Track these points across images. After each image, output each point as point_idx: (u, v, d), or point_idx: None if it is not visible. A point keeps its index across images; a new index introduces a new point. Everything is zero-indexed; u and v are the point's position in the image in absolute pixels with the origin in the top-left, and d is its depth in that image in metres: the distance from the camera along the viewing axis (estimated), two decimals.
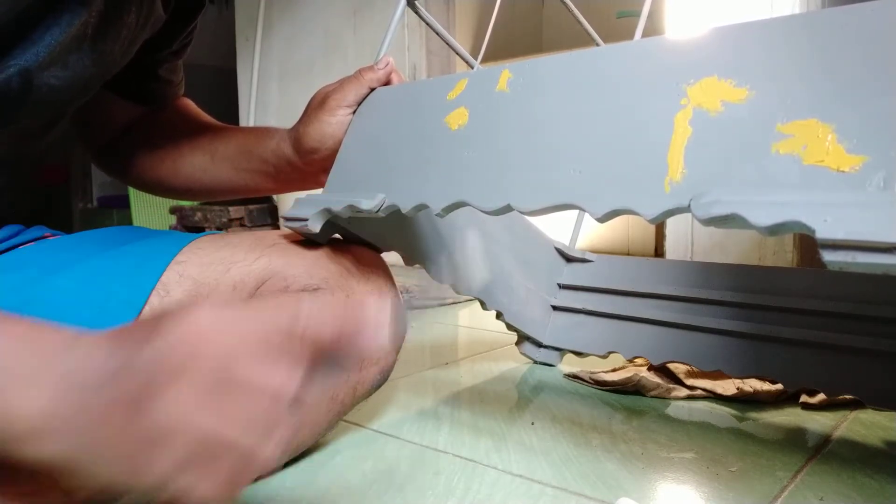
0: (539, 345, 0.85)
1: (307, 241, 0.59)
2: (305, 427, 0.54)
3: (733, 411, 0.68)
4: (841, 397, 0.67)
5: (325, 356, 0.32)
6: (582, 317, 0.83)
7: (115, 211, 2.64)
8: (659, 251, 1.98)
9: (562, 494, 0.51)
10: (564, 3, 0.82)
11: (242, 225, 2.33)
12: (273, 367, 0.30)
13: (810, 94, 0.36)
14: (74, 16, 0.48)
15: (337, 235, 0.61)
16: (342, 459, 0.57)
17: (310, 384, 0.31)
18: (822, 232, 0.32)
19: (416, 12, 0.70)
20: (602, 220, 0.42)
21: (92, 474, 0.31)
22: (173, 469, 0.30)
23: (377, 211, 0.52)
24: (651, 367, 0.78)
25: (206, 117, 0.77)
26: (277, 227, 2.32)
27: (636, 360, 0.81)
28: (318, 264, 0.56)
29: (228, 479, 0.31)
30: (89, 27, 0.50)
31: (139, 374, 0.30)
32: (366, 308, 0.32)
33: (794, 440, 0.61)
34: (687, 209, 0.38)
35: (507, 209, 0.47)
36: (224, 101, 2.55)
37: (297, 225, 0.56)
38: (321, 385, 0.32)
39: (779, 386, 0.69)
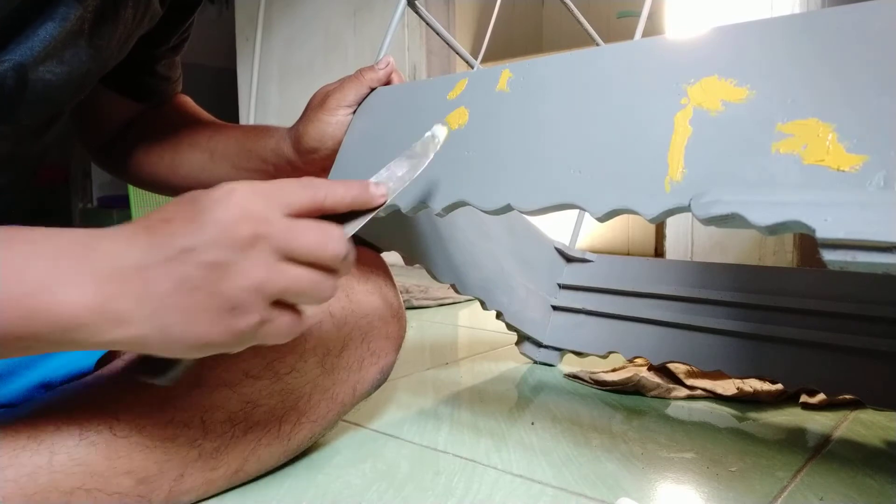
0: (539, 345, 0.85)
1: None
2: (305, 427, 0.54)
3: (733, 411, 0.68)
4: (841, 397, 0.67)
5: (347, 213, 0.40)
6: (582, 317, 0.83)
7: (115, 211, 2.64)
8: (659, 251, 1.98)
9: (562, 494, 0.51)
10: (564, 3, 0.82)
11: None
12: (321, 232, 0.37)
13: (810, 94, 0.36)
14: (70, 10, 0.48)
15: None
16: (342, 459, 0.57)
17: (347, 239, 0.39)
18: (823, 231, 0.32)
19: (417, 12, 0.70)
20: (602, 219, 0.42)
21: (166, 348, 0.36)
22: (258, 322, 0.36)
23: None
24: (651, 367, 0.78)
25: (205, 115, 0.77)
26: None
27: (636, 360, 0.81)
28: None
29: (299, 319, 0.38)
30: (86, 22, 0.50)
31: (205, 254, 0.35)
32: (364, 182, 0.41)
33: (794, 440, 0.61)
34: (687, 209, 0.38)
35: (508, 209, 0.47)
36: (224, 101, 2.55)
37: None
38: (351, 233, 0.40)
39: (779, 386, 0.69)
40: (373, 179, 0.43)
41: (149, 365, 0.40)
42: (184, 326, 0.35)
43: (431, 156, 0.47)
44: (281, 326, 0.37)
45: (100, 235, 0.36)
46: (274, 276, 0.36)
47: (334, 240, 0.37)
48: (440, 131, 0.48)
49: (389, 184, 0.43)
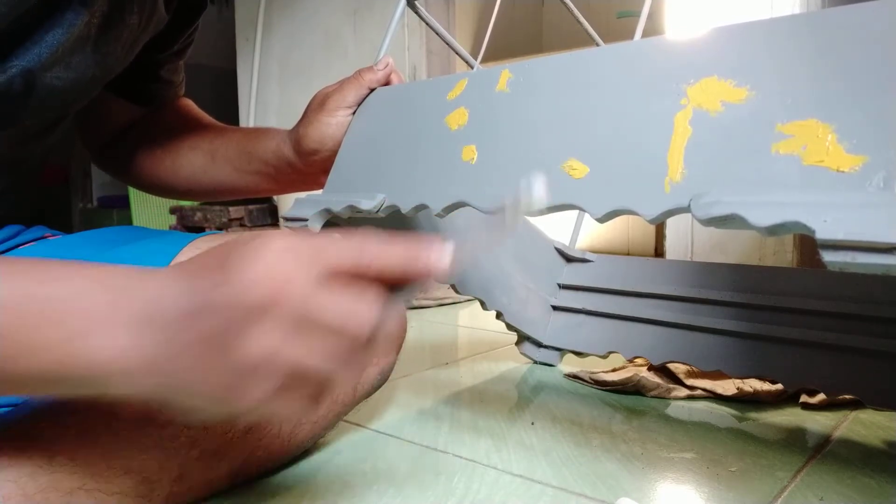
0: (539, 345, 0.85)
1: None
2: (305, 428, 0.54)
3: (733, 411, 0.68)
4: (841, 397, 0.67)
5: (394, 286, 0.33)
6: (582, 317, 0.83)
7: (115, 211, 2.64)
8: (659, 251, 1.98)
9: (562, 494, 0.51)
10: (564, 4, 0.82)
11: (242, 225, 2.33)
12: (350, 303, 0.32)
13: (810, 94, 0.37)
14: (77, 16, 0.48)
15: None
16: (342, 459, 0.57)
17: (386, 311, 0.33)
18: (822, 232, 0.32)
19: (416, 12, 0.70)
20: (602, 220, 0.42)
21: (181, 407, 0.34)
22: (263, 397, 0.32)
23: (377, 211, 0.52)
24: (651, 367, 0.78)
25: (207, 118, 0.77)
26: (277, 227, 2.32)
27: (636, 360, 0.81)
28: None
29: (311, 401, 0.33)
30: (92, 28, 0.50)
31: (221, 313, 0.31)
32: (427, 243, 0.33)
33: (794, 440, 0.61)
34: (687, 209, 0.38)
35: None
36: (224, 101, 2.55)
37: (297, 225, 0.57)
38: (394, 310, 0.34)
39: (779, 386, 0.69)
40: (448, 242, 0.34)
41: None
42: (200, 384, 0.32)
43: (522, 215, 0.35)
44: (295, 404, 0.33)
45: (150, 275, 0.35)
46: (287, 346, 0.31)
47: (364, 309, 0.32)
48: (538, 185, 0.33)
49: (461, 251, 0.33)
